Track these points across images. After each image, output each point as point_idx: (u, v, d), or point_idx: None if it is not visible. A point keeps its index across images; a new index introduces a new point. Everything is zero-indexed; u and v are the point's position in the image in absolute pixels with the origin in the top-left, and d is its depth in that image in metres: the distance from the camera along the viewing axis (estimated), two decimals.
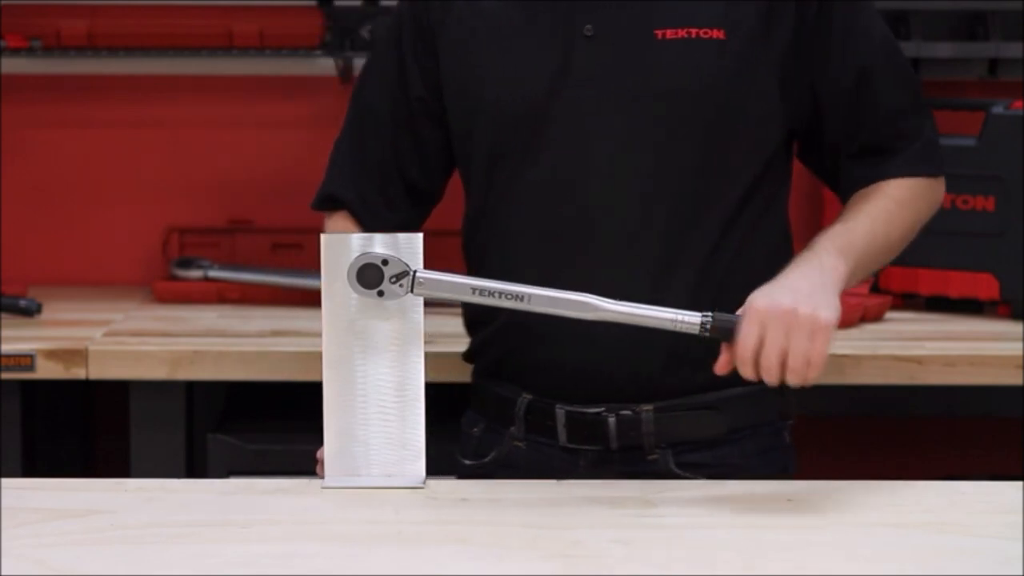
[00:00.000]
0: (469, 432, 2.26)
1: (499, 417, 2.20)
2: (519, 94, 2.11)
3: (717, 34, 2.08)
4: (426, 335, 1.96)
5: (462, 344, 2.34)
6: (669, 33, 2.08)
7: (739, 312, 1.92)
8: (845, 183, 2.19)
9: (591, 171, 2.10)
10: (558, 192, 2.11)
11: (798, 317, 1.89)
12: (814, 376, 1.90)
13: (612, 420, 2.12)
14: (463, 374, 2.33)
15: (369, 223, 2.22)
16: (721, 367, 1.93)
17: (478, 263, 2.21)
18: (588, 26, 2.09)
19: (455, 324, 2.36)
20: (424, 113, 2.21)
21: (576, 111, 2.09)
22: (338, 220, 2.26)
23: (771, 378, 1.89)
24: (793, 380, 1.90)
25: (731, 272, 2.10)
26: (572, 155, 2.10)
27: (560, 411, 2.14)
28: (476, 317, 2.23)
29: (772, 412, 2.19)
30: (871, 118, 2.16)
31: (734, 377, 1.97)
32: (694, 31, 2.08)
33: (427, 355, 1.96)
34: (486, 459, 2.21)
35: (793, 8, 2.10)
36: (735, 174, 2.12)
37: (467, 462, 2.24)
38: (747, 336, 1.89)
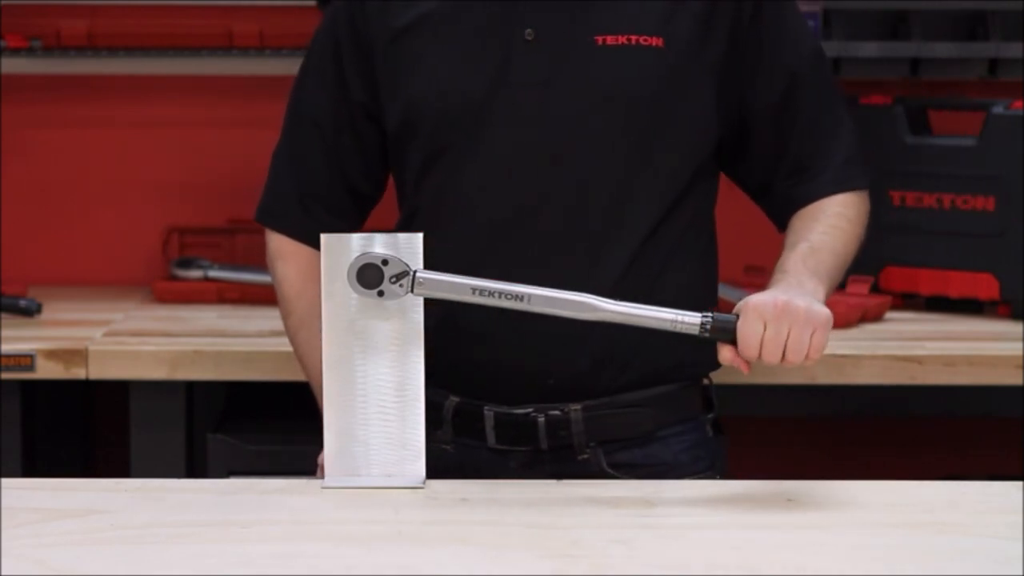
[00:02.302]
0: None
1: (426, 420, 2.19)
2: (457, 94, 2.11)
3: (656, 42, 2.10)
4: None
5: None
6: (610, 39, 2.10)
7: (734, 311, 1.94)
8: (781, 204, 2.21)
9: (527, 172, 2.11)
10: (493, 192, 2.12)
11: (797, 311, 1.92)
12: (811, 364, 1.95)
13: (542, 420, 2.13)
14: None
15: (311, 239, 2.19)
16: (728, 359, 1.96)
17: None
18: (528, 30, 2.10)
19: None
20: (365, 116, 2.20)
21: (514, 114, 2.10)
22: (278, 241, 2.26)
23: (772, 364, 1.94)
24: (791, 364, 1.94)
25: (658, 273, 2.13)
26: (508, 157, 2.11)
27: (488, 412, 2.14)
28: None
29: (695, 406, 2.21)
30: (797, 131, 2.18)
31: (659, 375, 2.10)
32: (634, 38, 2.10)
33: None
34: None
35: (729, 19, 2.13)
36: (667, 178, 2.13)
37: None
38: (750, 334, 1.91)
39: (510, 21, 2.11)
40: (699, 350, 2.06)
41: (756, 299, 1.93)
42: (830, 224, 2.15)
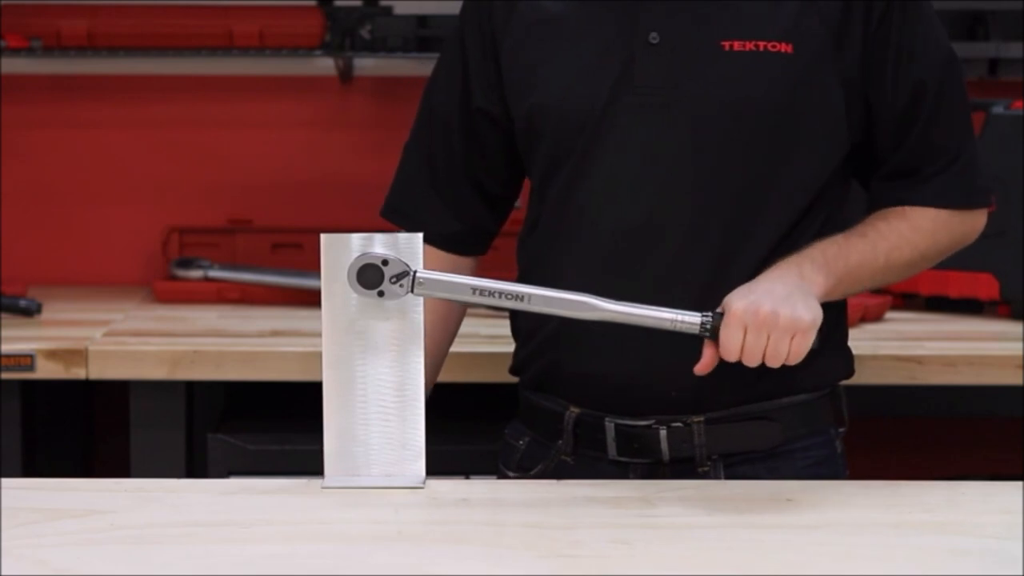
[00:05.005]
0: (514, 443, 2.22)
1: (546, 431, 2.17)
2: (579, 98, 2.08)
3: (785, 48, 2.04)
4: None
5: (464, 345, 2.33)
6: (736, 45, 2.04)
7: (720, 308, 1.94)
8: (872, 201, 2.15)
9: (647, 180, 2.06)
10: (613, 200, 2.07)
11: (779, 320, 1.91)
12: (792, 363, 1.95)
13: (663, 432, 2.09)
14: (465, 374, 2.33)
15: (435, 239, 2.20)
16: (704, 367, 1.96)
17: (528, 271, 2.16)
18: (653, 34, 2.06)
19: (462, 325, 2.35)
20: (487, 123, 2.18)
21: (636, 119, 2.06)
22: None
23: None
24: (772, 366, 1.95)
25: None
26: (630, 162, 2.07)
27: (609, 424, 2.11)
28: (522, 327, 2.20)
29: (826, 419, 2.17)
30: (914, 138, 2.11)
31: (786, 386, 2.05)
32: (762, 44, 2.04)
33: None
34: (531, 472, 2.18)
35: (861, 21, 2.06)
36: (794, 188, 2.08)
37: (511, 474, 2.21)
38: (731, 339, 1.92)
39: (634, 24, 2.07)
40: (836, 353, 2.03)
41: (739, 304, 1.92)
42: (891, 227, 2.09)
